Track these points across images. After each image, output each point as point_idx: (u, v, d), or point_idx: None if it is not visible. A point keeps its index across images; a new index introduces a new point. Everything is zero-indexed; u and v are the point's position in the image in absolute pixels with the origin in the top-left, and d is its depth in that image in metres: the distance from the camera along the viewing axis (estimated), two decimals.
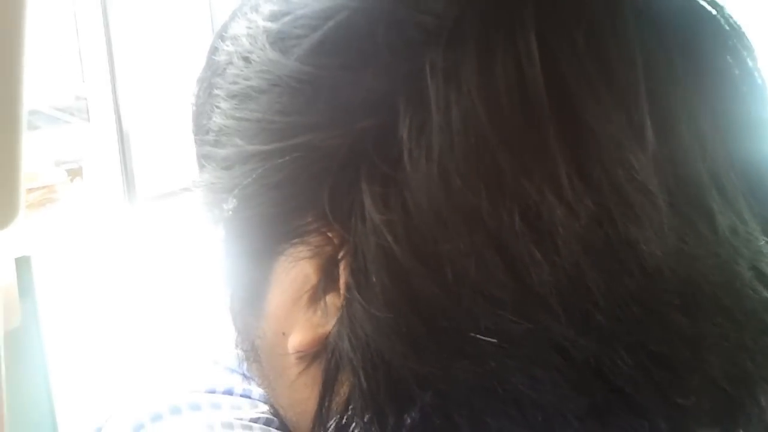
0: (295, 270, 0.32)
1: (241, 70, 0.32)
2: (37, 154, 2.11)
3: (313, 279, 0.32)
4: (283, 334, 0.33)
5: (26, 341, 1.51)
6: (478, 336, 0.27)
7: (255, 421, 0.39)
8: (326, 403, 0.32)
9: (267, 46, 0.31)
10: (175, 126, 2.22)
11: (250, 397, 0.41)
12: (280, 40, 0.31)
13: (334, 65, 0.30)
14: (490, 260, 0.27)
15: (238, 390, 0.42)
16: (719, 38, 0.30)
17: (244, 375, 0.42)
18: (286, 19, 0.32)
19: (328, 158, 0.29)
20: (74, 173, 2.17)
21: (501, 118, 0.27)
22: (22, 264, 1.56)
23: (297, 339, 0.32)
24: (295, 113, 0.30)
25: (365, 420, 0.30)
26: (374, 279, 0.29)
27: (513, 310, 0.27)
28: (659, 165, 0.27)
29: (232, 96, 0.33)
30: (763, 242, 0.29)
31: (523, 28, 0.28)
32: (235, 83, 0.33)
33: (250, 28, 0.33)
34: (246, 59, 0.32)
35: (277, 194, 0.31)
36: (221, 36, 0.36)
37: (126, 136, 2.17)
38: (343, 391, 0.31)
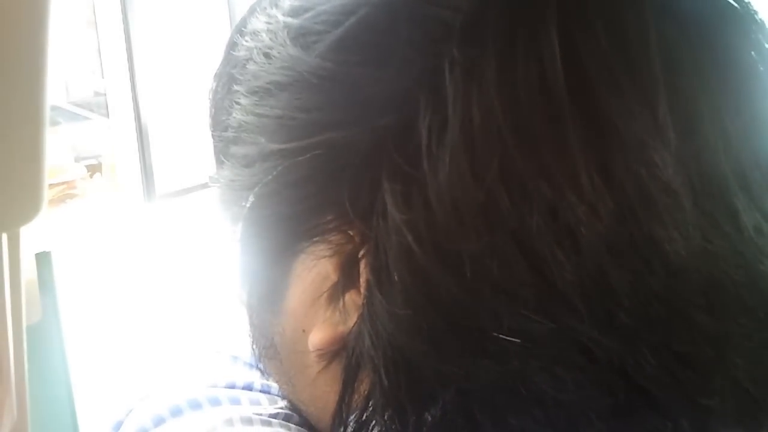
0: (315, 268, 0.32)
1: (262, 66, 0.32)
2: (56, 150, 2.12)
3: (333, 277, 0.32)
4: (303, 331, 0.33)
5: (46, 336, 1.53)
6: (500, 335, 0.27)
7: (274, 416, 0.39)
8: (346, 400, 0.31)
9: (288, 41, 0.31)
10: (194, 122, 2.23)
11: (269, 393, 0.41)
12: (301, 36, 0.31)
13: (355, 61, 0.29)
14: (512, 259, 0.27)
15: (258, 385, 0.42)
16: (744, 33, 0.30)
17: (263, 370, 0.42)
18: (308, 14, 0.31)
19: (349, 155, 0.29)
20: (93, 169, 2.19)
21: (521, 117, 0.27)
22: (43, 259, 1.57)
23: (317, 337, 0.32)
24: (316, 110, 0.30)
25: (386, 417, 0.30)
26: (395, 277, 0.28)
27: (536, 310, 0.27)
28: (683, 163, 0.27)
29: (253, 92, 0.33)
30: None
31: (545, 23, 0.27)
32: (255, 79, 0.33)
33: (269, 23, 0.33)
34: (267, 55, 0.32)
35: (298, 192, 0.31)
36: (240, 31, 0.36)
37: (145, 132, 2.19)
38: (363, 388, 0.31)
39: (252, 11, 0.36)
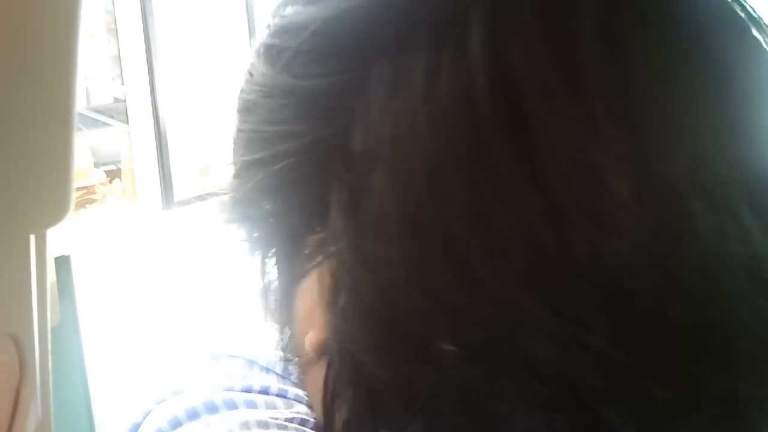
0: (316, 272, 0.33)
1: (245, 85, 0.34)
2: (77, 156, 2.14)
3: (328, 281, 0.32)
4: (307, 334, 0.34)
5: (65, 339, 1.54)
6: (437, 343, 0.27)
7: (290, 420, 0.39)
8: (329, 405, 0.32)
9: (260, 59, 0.33)
10: (212, 128, 2.24)
11: (285, 397, 0.41)
12: (271, 53, 0.32)
13: (307, 74, 0.30)
14: (440, 267, 0.27)
15: (274, 389, 0.42)
16: (724, 28, 0.29)
17: (279, 375, 0.42)
18: (274, 31, 0.33)
19: (306, 165, 0.30)
20: (113, 174, 2.20)
21: (444, 126, 0.27)
22: (62, 263, 1.58)
23: (312, 337, 0.33)
24: (281, 123, 0.31)
25: (357, 424, 0.30)
26: (341, 284, 0.29)
27: (468, 318, 0.27)
28: (625, 164, 0.26)
29: (238, 110, 0.34)
30: (761, 245, 0.27)
31: (473, 26, 0.27)
32: (240, 98, 0.34)
33: (256, 44, 0.35)
34: (249, 73, 0.34)
35: (275, 198, 0.32)
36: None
37: (164, 138, 2.20)
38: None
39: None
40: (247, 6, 2.51)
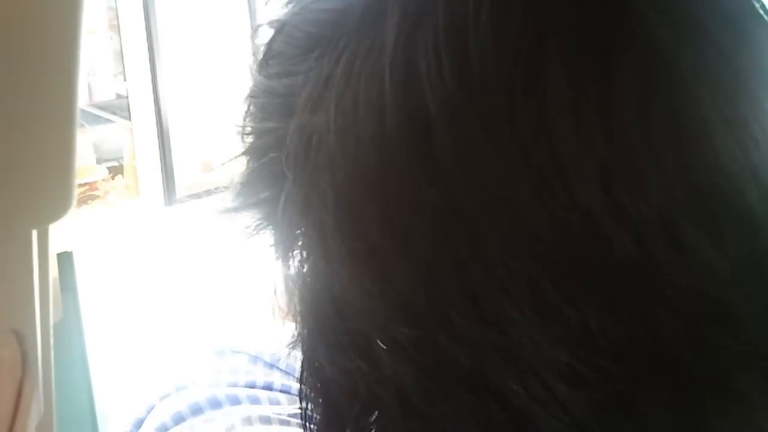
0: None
1: (248, 89, 0.36)
2: (79, 152, 2.14)
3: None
4: None
5: (67, 335, 1.54)
6: (373, 341, 0.28)
7: (294, 416, 0.39)
8: (302, 406, 0.33)
9: (252, 63, 0.34)
10: (215, 125, 2.24)
11: (289, 393, 0.42)
12: (256, 56, 0.34)
13: (273, 74, 0.32)
14: (365, 264, 0.28)
15: (278, 385, 0.42)
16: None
17: (283, 371, 0.42)
18: (260, 31, 0.34)
19: (273, 163, 0.32)
20: (115, 171, 2.20)
21: (350, 136, 0.27)
22: (64, 259, 1.58)
23: None
24: (261, 120, 0.33)
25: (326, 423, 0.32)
26: (304, 278, 0.31)
27: (400, 317, 0.27)
28: (515, 171, 0.26)
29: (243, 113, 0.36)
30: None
31: (387, 37, 0.27)
32: (243, 101, 0.36)
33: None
34: (250, 77, 0.36)
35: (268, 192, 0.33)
36: None
37: (166, 135, 2.20)
38: None
39: None
40: (249, 2, 2.51)
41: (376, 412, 0.29)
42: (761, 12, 0.29)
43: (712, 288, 0.26)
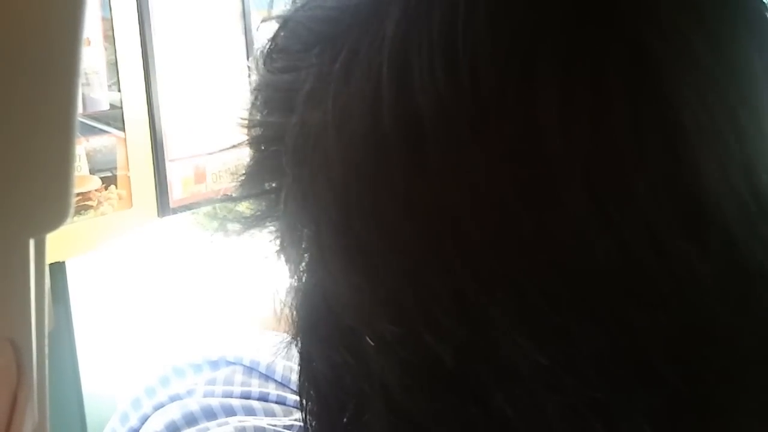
0: None
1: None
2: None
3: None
4: None
5: (59, 345, 1.53)
6: (362, 337, 0.28)
7: (289, 428, 0.39)
8: (301, 404, 0.33)
9: (258, 59, 0.35)
10: (209, 135, 2.24)
11: (284, 404, 0.41)
12: (261, 52, 0.35)
13: (273, 68, 0.33)
14: (353, 259, 0.28)
15: (273, 396, 0.42)
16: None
17: (278, 382, 0.42)
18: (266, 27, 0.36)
19: (276, 156, 0.32)
20: (108, 181, 2.20)
21: (346, 133, 0.28)
22: (57, 270, 1.58)
23: None
24: (265, 112, 0.34)
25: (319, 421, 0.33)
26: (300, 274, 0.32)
27: (387, 313, 0.27)
28: (499, 165, 0.26)
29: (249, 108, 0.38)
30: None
31: (385, 36, 0.27)
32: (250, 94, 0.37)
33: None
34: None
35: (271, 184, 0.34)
36: None
37: (160, 145, 2.20)
38: None
39: None
40: (243, 14, 2.51)
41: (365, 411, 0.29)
42: (746, 31, 0.29)
43: (695, 296, 0.26)
